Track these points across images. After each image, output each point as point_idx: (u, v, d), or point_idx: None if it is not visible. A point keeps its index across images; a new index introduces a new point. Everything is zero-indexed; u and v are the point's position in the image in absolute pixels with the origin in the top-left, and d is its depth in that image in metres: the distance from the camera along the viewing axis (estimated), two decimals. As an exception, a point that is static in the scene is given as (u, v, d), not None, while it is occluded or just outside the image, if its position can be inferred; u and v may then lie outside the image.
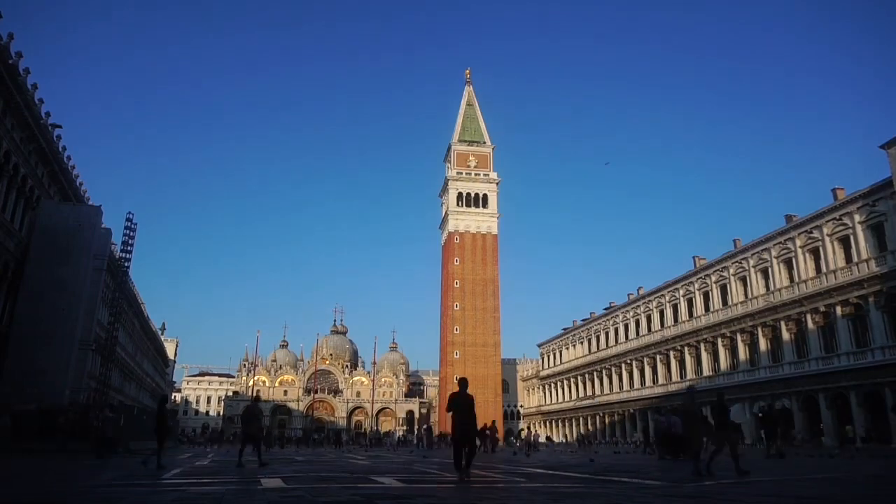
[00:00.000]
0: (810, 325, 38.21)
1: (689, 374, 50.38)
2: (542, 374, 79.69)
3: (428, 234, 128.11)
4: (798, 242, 39.79)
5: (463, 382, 11.06)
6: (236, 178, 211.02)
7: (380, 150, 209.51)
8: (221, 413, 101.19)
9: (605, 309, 66.05)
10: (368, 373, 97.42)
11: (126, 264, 38.84)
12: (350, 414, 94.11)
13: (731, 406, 43.46)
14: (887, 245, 33.63)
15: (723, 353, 46.53)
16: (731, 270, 46.07)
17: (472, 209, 78.64)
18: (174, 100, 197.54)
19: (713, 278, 48.22)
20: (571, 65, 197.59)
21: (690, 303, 51.31)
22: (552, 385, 76.76)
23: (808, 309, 38.37)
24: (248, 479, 10.45)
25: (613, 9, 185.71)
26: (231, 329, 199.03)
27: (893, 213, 33.37)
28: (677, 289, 52.93)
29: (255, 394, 16.58)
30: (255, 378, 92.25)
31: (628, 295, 61.70)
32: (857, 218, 35.57)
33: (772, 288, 41.84)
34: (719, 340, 46.83)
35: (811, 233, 38.92)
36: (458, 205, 78.61)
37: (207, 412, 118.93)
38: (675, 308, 53.18)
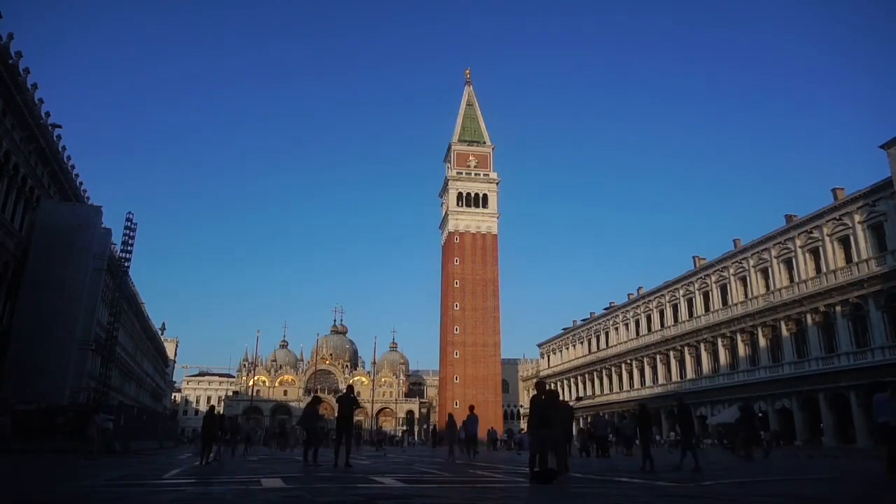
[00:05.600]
0: (810, 325, 38.20)
1: (690, 374, 50.42)
2: (542, 374, 79.67)
3: (428, 234, 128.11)
4: (798, 242, 39.78)
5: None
6: (236, 179, 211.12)
7: (380, 150, 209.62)
8: (221, 413, 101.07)
9: (605, 309, 66.04)
10: (368, 373, 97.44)
11: (126, 264, 38.82)
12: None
13: (730, 407, 43.66)
14: (887, 245, 33.62)
15: (723, 353, 46.53)
16: (731, 270, 46.06)
17: (472, 209, 78.62)
18: (174, 100, 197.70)
19: (713, 278, 48.22)
20: (572, 64, 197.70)
21: (690, 303, 51.31)
22: (552, 385, 76.75)
23: (808, 309, 38.36)
24: (248, 479, 10.45)
25: (614, 10, 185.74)
26: (231, 329, 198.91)
27: (893, 213, 33.36)
28: (677, 289, 52.93)
29: (313, 394, 16.65)
30: (255, 378, 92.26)
31: (628, 295, 61.70)
32: (857, 218, 35.57)
33: (772, 288, 41.84)
34: (719, 340, 46.83)
35: (811, 233, 38.92)
36: (458, 205, 78.58)
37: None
38: (675, 308, 53.18)
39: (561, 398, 13.53)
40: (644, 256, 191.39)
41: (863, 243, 35.07)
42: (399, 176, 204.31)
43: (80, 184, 36.56)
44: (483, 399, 65.32)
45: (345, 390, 14.79)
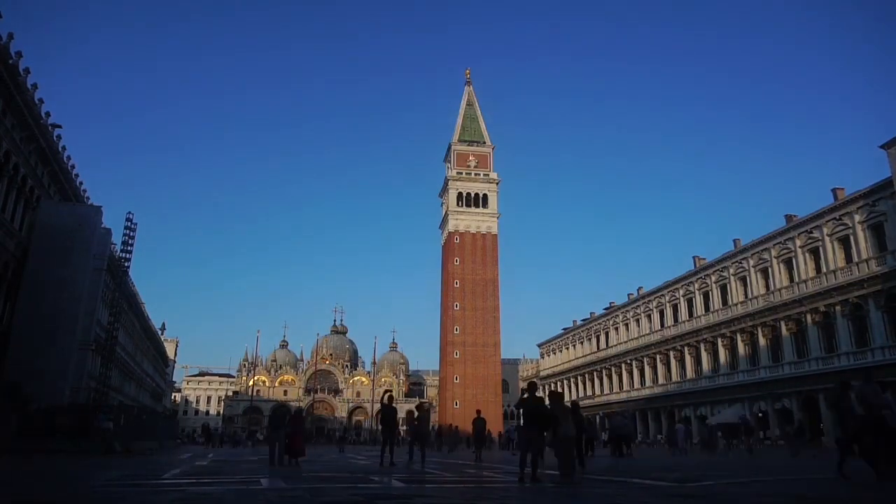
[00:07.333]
0: (810, 324, 38.20)
1: (689, 374, 50.41)
2: (542, 373, 79.70)
3: (428, 234, 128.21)
4: (798, 242, 39.78)
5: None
6: (236, 179, 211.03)
7: (380, 150, 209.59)
8: (221, 413, 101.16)
9: (606, 309, 66.03)
10: (368, 373, 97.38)
11: (126, 264, 38.81)
12: (350, 414, 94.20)
13: (731, 406, 43.67)
14: (887, 245, 33.62)
15: (723, 353, 46.52)
16: (731, 270, 46.06)
17: (472, 209, 78.62)
18: (175, 101, 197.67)
19: (713, 278, 48.21)
20: (572, 66, 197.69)
21: (690, 303, 51.30)
22: (552, 385, 76.70)
23: (807, 309, 38.35)
24: (248, 479, 10.45)
25: (614, 13, 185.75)
26: (231, 329, 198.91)
27: (893, 213, 33.36)
28: (677, 289, 52.92)
29: (388, 396, 16.88)
30: (255, 378, 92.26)
31: (628, 295, 61.69)
32: (857, 218, 35.57)
33: (772, 288, 41.84)
34: (719, 340, 46.82)
35: (811, 233, 38.92)
36: (458, 205, 78.58)
37: (207, 412, 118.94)
38: (675, 308, 53.17)
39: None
40: (644, 256, 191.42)
41: (863, 243, 35.07)
42: (399, 176, 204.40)
43: (80, 184, 36.57)
44: (483, 399, 65.30)
45: (387, 400, 16.62)
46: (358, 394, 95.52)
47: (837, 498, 7.68)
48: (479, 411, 23.62)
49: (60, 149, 32.13)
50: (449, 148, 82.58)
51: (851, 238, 35.88)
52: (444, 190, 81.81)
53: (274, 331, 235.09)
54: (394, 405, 16.26)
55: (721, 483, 9.67)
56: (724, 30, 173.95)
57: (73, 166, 34.69)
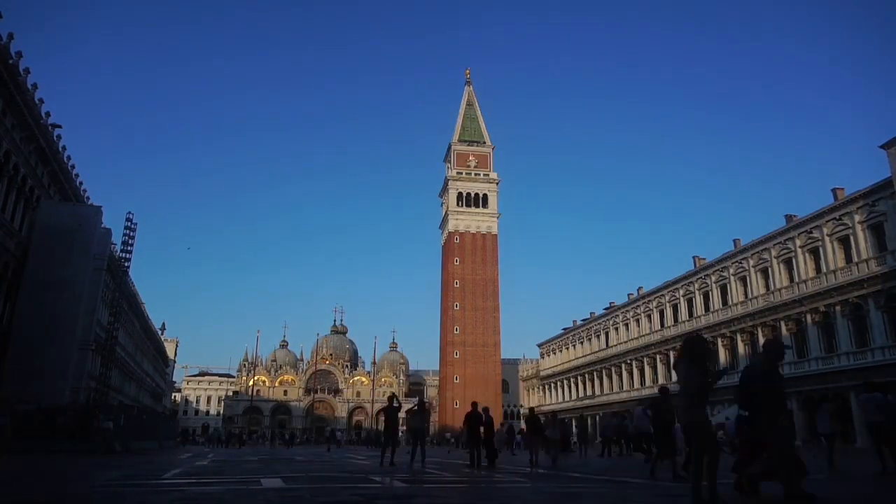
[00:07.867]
0: (810, 324, 38.19)
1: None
2: (542, 373, 79.66)
3: (428, 234, 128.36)
4: (798, 242, 39.77)
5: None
6: (236, 179, 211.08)
7: (380, 150, 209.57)
8: (221, 413, 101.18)
9: (606, 309, 66.00)
10: (368, 373, 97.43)
11: (126, 264, 38.79)
12: (350, 414, 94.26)
13: (731, 406, 43.56)
14: (887, 245, 33.60)
15: (723, 353, 46.50)
16: (731, 270, 46.05)
17: (472, 209, 78.65)
18: (174, 100, 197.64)
19: (713, 278, 48.21)
20: (571, 64, 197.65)
21: (690, 303, 51.29)
22: (552, 385, 76.73)
23: (807, 309, 38.34)
24: (248, 478, 10.45)
25: (615, 8, 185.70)
26: (231, 329, 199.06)
27: (893, 213, 33.34)
28: (677, 289, 52.91)
29: (390, 396, 16.86)
30: (255, 378, 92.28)
31: (628, 295, 61.67)
32: (857, 218, 35.56)
33: (772, 288, 41.83)
34: (719, 340, 46.78)
35: (811, 233, 38.91)
36: (458, 205, 78.61)
37: (207, 412, 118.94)
38: (675, 308, 53.16)
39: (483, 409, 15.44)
40: (644, 256, 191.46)
41: (863, 243, 35.05)
42: (399, 176, 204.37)
43: (80, 184, 36.58)
44: (483, 399, 65.19)
45: (387, 401, 16.46)
46: (358, 394, 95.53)
47: (836, 497, 7.68)
48: (532, 409, 19.17)
49: (60, 149, 32.13)
50: (449, 148, 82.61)
51: (851, 238, 35.87)
52: (444, 190, 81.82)
53: (274, 331, 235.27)
54: (395, 404, 15.88)
55: (721, 483, 9.65)
56: (724, 30, 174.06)
57: (73, 166, 34.70)
